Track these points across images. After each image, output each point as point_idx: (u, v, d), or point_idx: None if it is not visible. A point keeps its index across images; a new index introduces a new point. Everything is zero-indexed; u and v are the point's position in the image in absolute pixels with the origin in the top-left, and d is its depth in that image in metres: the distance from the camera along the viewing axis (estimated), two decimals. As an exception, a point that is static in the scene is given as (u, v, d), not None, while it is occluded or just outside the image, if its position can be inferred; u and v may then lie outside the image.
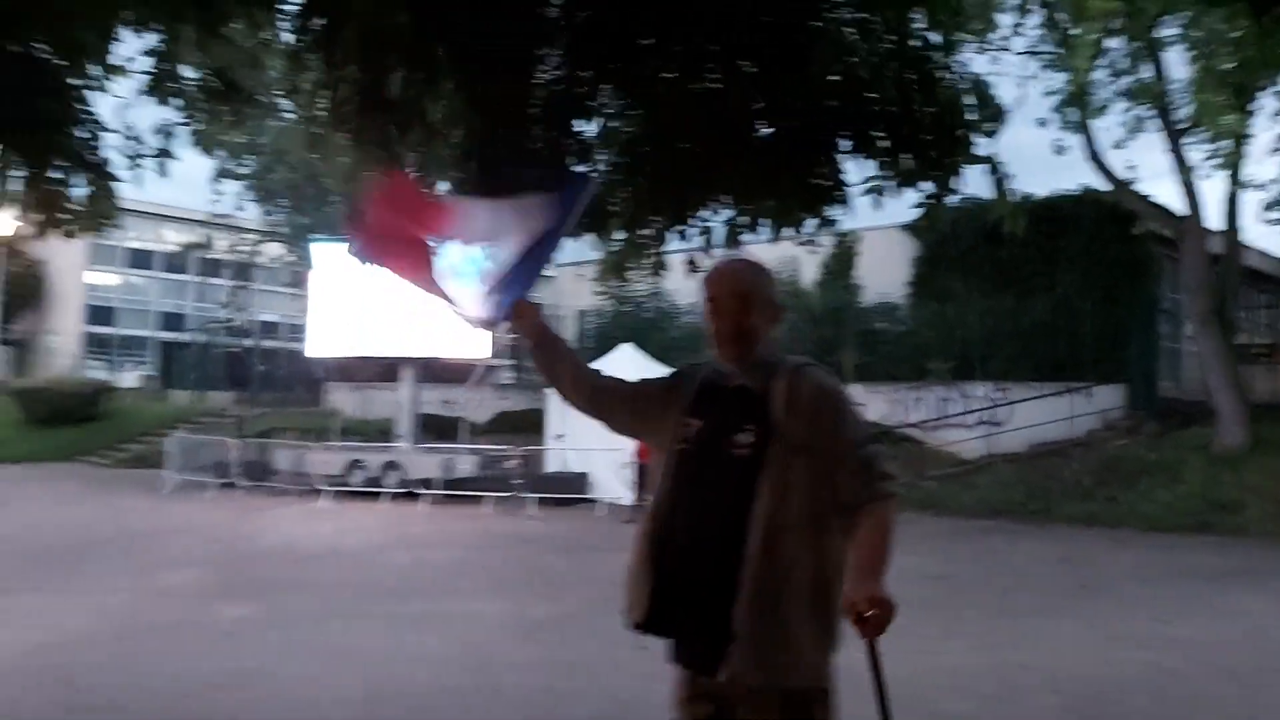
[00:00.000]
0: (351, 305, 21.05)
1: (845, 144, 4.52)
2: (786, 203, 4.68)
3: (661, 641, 2.63)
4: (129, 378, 39.42)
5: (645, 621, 2.55)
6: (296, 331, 37.50)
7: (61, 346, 39.36)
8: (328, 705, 6.17)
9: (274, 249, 32.60)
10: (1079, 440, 19.08)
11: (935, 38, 4.30)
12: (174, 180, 4.73)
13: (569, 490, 18.26)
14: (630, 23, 4.76)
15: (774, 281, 2.68)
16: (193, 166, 40.76)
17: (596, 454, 18.27)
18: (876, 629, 2.25)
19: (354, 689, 6.59)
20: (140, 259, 45.16)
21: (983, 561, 12.71)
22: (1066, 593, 10.56)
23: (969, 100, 4.28)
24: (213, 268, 37.91)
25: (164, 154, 4.95)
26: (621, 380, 2.98)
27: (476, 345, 20.62)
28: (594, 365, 3.07)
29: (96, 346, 42.28)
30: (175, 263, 42.37)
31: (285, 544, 13.91)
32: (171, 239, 41.66)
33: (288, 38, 5.08)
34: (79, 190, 4.64)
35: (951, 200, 4.41)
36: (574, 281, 38.00)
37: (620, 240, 5.20)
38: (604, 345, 24.74)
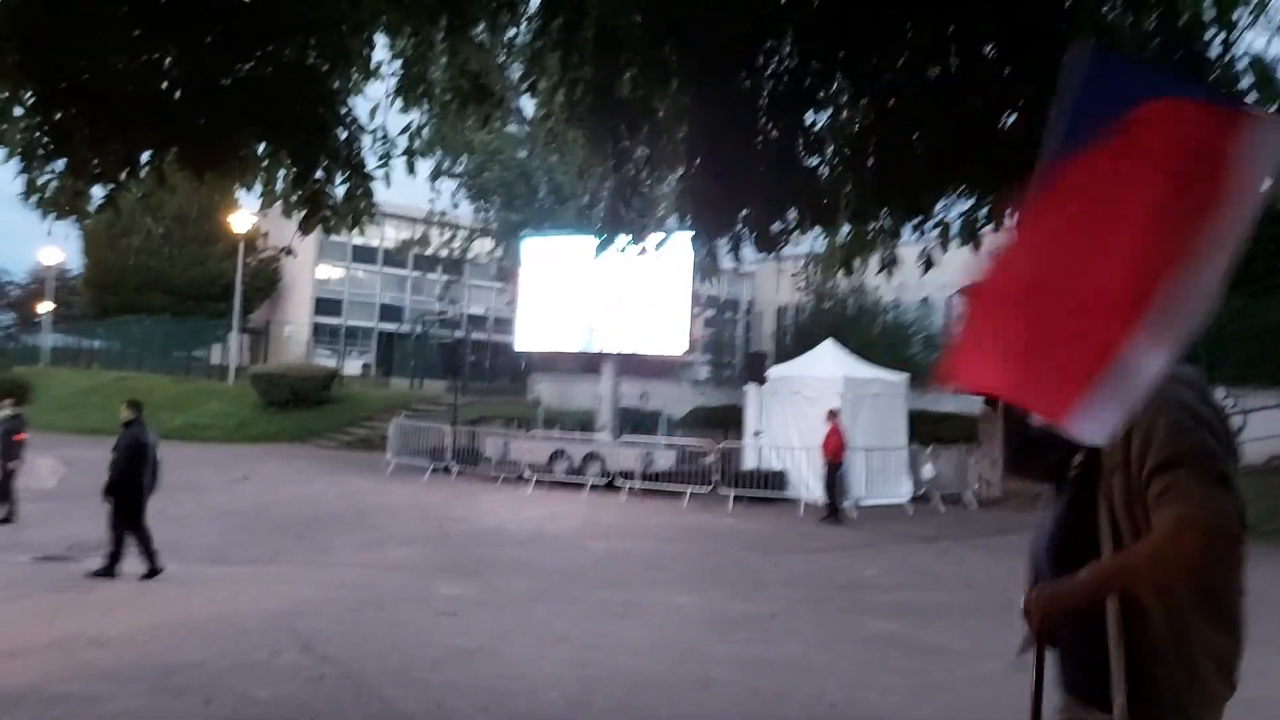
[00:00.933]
0: (557, 300, 21.77)
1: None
2: (1034, 194, 4.42)
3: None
4: (353, 366, 42.32)
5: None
6: (503, 324, 39.16)
7: (294, 335, 42.63)
8: (544, 687, 6.36)
9: (484, 245, 34.08)
10: (1329, 455, 17.30)
11: (1209, 12, 3.96)
12: (395, 178, 4.94)
13: (767, 487, 18.15)
14: (862, 9, 4.64)
15: None
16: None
17: (797, 452, 18.10)
18: (1030, 626, 2.32)
19: (567, 672, 6.78)
20: (363, 254, 48.23)
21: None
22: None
23: (1245, 81, 3.92)
24: (428, 263, 39.98)
25: (412, 154, 5.25)
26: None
27: (674, 342, 20.86)
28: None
29: (324, 336, 45.50)
30: (394, 258, 45.00)
31: (495, 527, 14.51)
32: (391, 236, 44.30)
33: (525, 39, 5.28)
34: (339, 188, 4.99)
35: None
36: (773, 277, 37.81)
37: (847, 234, 5.09)
38: (804, 342, 24.43)
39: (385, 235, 45.31)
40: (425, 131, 5.53)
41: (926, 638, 8.44)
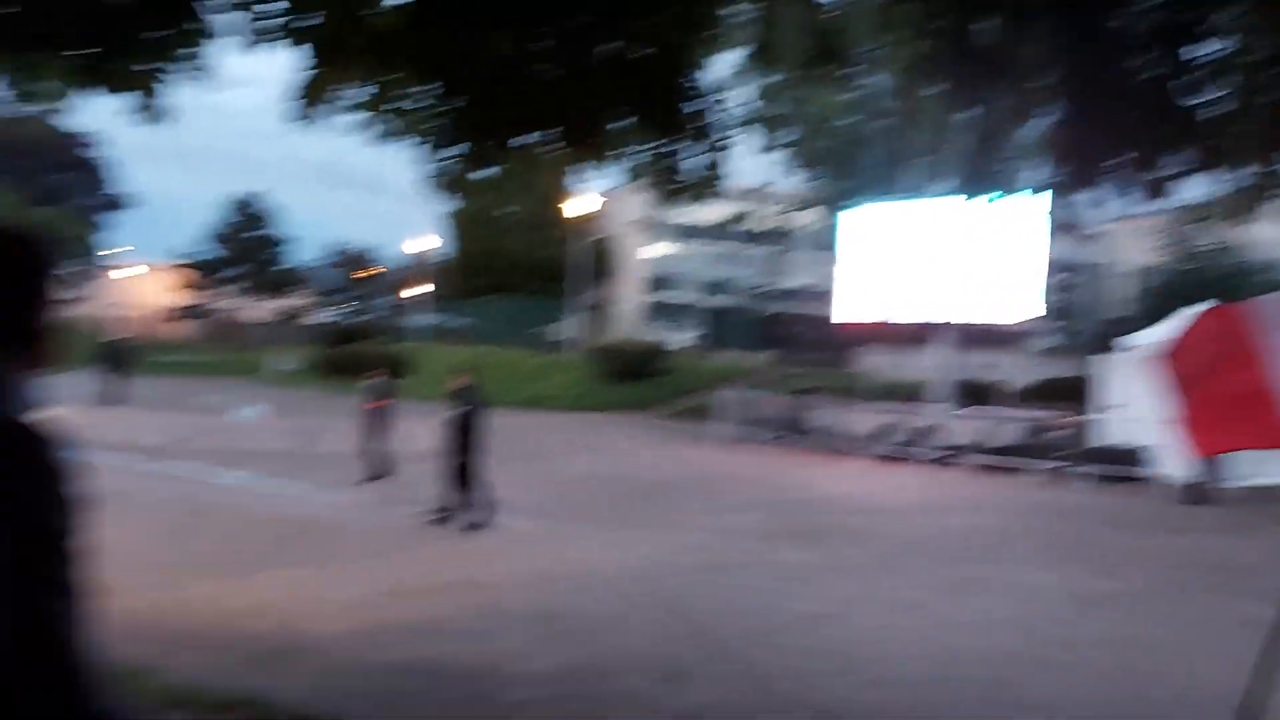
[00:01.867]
0: (882, 270, 21.24)
1: None
2: None
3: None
4: (681, 339, 43.91)
5: None
6: (828, 296, 38.92)
7: (626, 311, 44.88)
8: (904, 659, 6.29)
9: (808, 216, 33.92)
10: None
11: None
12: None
13: (1123, 464, 16.67)
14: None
15: None
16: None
17: (1157, 427, 16.46)
18: None
19: (923, 643, 6.66)
20: (689, 232, 49.78)
21: None
22: None
23: None
24: (751, 238, 40.54)
25: (763, 122, 5.33)
26: None
27: (1021, 308, 19.69)
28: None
29: (654, 311, 47.53)
30: (719, 233, 46.04)
31: (831, 497, 14.49)
32: (714, 212, 45.37)
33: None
34: (690, 161, 5.17)
35: None
36: (1126, 238, 34.55)
37: (1250, 176, 4.55)
38: (1165, 307, 22.13)
39: (709, 212, 46.39)
40: (772, 98, 5.59)
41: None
